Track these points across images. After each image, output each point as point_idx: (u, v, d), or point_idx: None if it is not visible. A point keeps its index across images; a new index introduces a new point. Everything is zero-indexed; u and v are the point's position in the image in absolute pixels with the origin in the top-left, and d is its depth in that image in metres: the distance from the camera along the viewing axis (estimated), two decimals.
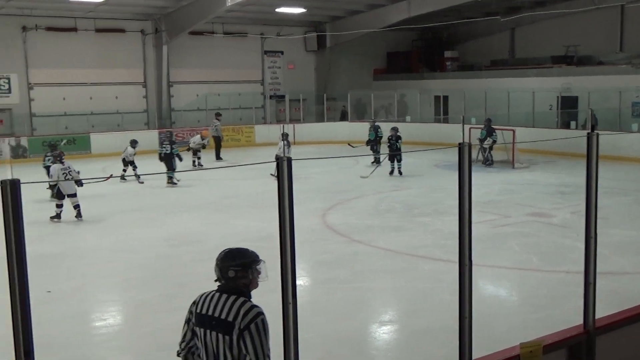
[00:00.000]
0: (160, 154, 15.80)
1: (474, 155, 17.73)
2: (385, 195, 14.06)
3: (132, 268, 8.76)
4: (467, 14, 24.88)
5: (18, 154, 20.68)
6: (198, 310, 3.18)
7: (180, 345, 3.28)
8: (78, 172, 11.85)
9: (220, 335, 3.08)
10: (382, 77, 30.01)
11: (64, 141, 21.41)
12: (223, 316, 3.08)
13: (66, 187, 11.49)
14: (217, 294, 3.18)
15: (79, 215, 11.69)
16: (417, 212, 12.05)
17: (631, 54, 22.73)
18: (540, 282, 7.87)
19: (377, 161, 18.05)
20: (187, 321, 3.25)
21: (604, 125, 19.61)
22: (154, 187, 15.59)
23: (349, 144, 19.78)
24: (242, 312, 3.05)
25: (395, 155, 16.47)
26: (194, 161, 18.75)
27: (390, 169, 16.67)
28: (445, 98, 25.87)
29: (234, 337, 3.03)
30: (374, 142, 18.83)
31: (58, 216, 11.54)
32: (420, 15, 23.85)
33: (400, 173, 16.47)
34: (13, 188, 2.17)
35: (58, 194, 11.68)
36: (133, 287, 7.96)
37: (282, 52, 28.26)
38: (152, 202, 13.77)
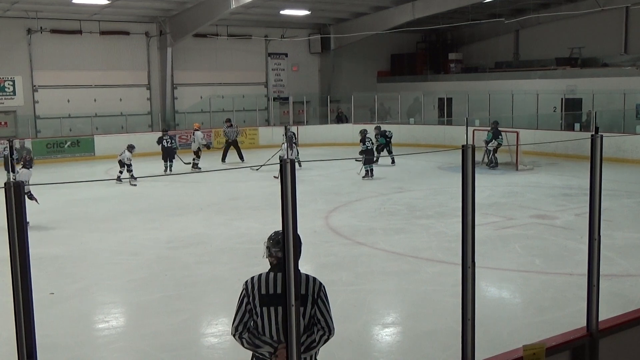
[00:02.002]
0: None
1: (478, 157, 17.71)
2: (388, 197, 14.04)
3: (134, 270, 8.77)
4: (471, 15, 24.86)
5: (22, 156, 20.72)
6: (263, 292, 3.35)
7: (236, 327, 3.40)
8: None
9: None
10: (386, 79, 30.00)
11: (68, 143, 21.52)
12: None
13: None
14: (279, 274, 3.34)
15: None
16: (420, 215, 12.03)
17: (636, 56, 22.69)
18: (544, 284, 7.86)
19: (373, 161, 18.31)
20: (245, 304, 3.39)
21: (608, 127, 19.58)
22: (155, 188, 15.61)
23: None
24: (310, 284, 3.36)
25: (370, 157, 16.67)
26: (195, 163, 18.69)
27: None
28: (449, 100, 25.85)
29: (308, 307, 3.30)
30: (384, 147, 19.00)
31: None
32: (424, 17, 23.85)
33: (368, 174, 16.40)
34: (17, 190, 2.18)
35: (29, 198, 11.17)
36: (135, 289, 7.97)
37: (286, 54, 28.27)
38: (154, 203, 13.77)
